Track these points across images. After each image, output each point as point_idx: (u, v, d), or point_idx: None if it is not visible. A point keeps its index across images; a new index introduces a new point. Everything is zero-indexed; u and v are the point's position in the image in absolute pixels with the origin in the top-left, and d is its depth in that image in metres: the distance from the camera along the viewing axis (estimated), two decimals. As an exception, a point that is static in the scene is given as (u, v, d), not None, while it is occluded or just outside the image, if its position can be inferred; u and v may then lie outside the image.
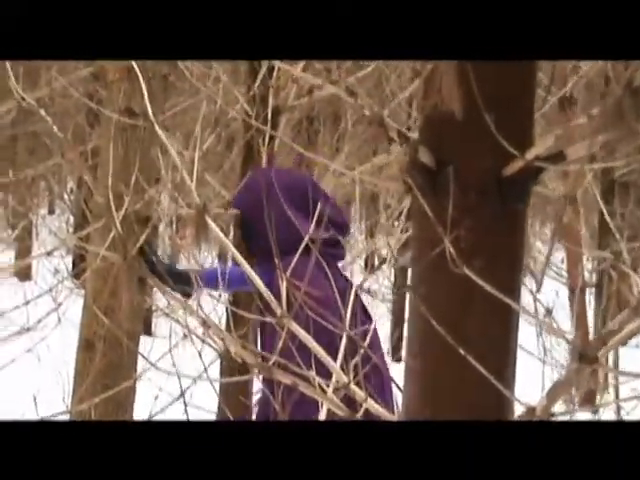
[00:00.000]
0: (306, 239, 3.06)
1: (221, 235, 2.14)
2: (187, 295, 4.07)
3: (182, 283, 3.94)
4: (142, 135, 3.97)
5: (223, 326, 5.97)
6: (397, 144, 1.58)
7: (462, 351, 1.49)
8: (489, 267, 1.59)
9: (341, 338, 3.10)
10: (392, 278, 9.44)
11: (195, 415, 5.70)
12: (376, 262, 9.93)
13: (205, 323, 1.58)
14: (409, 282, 1.66)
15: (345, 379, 1.81)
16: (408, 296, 1.71)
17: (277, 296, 1.96)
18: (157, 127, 2.11)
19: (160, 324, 8.15)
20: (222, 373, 6.32)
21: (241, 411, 5.74)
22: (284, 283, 2.00)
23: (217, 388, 6.16)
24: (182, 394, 1.75)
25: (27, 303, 3.76)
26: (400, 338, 8.85)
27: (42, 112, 2.55)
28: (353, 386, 1.81)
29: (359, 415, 1.59)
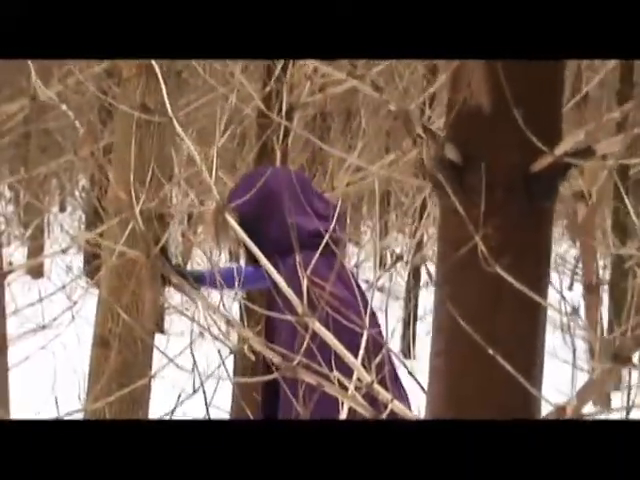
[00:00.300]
0: (326, 237, 3.04)
1: (241, 232, 2.11)
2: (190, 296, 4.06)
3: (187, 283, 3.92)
4: (157, 132, 3.95)
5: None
6: (422, 140, 1.56)
7: (491, 350, 1.47)
8: (516, 265, 1.57)
9: (360, 336, 3.08)
10: (405, 276, 9.41)
11: (210, 413, 5.68)
12: (389, 260, 9.90)
13: (229, 322, 1.56)
14: (423, 280, 1.64)
15: (368, 378, 1.79)
16: (433, 294, 1.68)
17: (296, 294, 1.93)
18: (176, 124, 2.09)
19: (172, 322, 8.14)
20: (235, 371, 6.31)
21: (255, 407, 5.72)
22: (304, 280, 1.97)
23: (233, 386, 6.15)
24: (203, 390, 1.73)
25: (41, 300, 3.75)
26: (413, 336, 8.83)
27: (64, 107, 2.52)
28: (377, 386, 1.79)
29: (384, 415, 1.57)
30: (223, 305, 1.59)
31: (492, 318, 1.59)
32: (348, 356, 1.79)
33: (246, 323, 5.19)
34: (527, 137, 1.54)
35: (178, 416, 3.70)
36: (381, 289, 8.55)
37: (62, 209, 17.23)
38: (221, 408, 6.02)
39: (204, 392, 1.59)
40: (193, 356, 1.99)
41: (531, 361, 1.60)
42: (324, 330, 1.89)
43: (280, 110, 5.39)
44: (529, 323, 1.61)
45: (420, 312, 9.76)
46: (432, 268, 12.31)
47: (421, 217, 7.71)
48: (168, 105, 2.07)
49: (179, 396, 1.68)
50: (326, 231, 3.52)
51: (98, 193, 8.17)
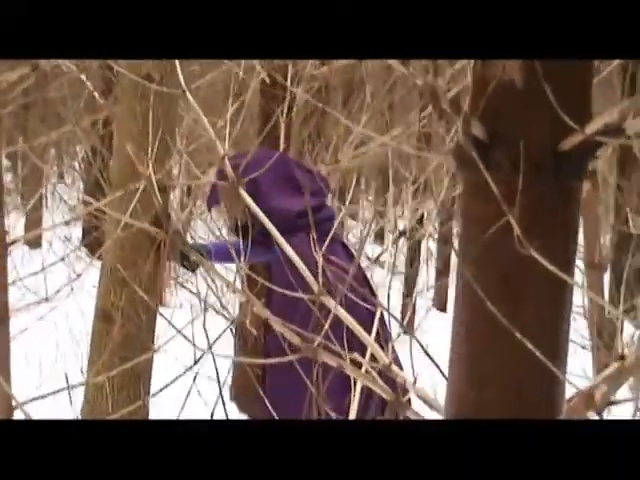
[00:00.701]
0: (338, 218, 3.00)
1: (253, 206, 2.07)
2: (193, 269, 4.02)
3: (191, 256, 3.89)
4: (161, 103, 3.88)
5: (237, 302, 5.92)
6: (449, 116, 1.51)
7: (518, 334, 1.42)
8: (544, 246, 1.52)
9: (366, 314, 3.04)
10: (405, 251, 9.37)
11: (208, 387, 5.67)
12: (390, 235, 9.86)
13: (248, 299, 1.52)
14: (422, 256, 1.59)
15: (386, 360, 1.75)
16: (454, 277, 1.64)
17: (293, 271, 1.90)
18: (189, 95, 2.04)
19: (172, 295, 8.10)
20: (236, 346, 6.28)
21: (252, 383, 5.70)
22: (320, 259, 1.93)
23: (233, 365, 6.12)
24: (216, 370, 1.69)
25: (41, 271, 3.69)
26: (413, 312, 8.80)
27: (83, 76, 2.47)
28: (394, 367, 1.75)
29: (405, 399, 1.53)
30: (241, 282, 1.54)
31: (516, 300, 1.55)
32: (365, 336, 1.75)
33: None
34: (556, 114, 1.49)
35: (180, 391, 3.68)
36: (382, 264, 8.52)
37: (61, 179, 17.15)
38: (223, 383, 5.99)
39: (217, 372, 1.55)
40: (205, 330, 1.96)
41: (556, 345, 1.56)
42: (341, 310, 1.85)
43: (285, 80, 5.33)
44: (555, 306, 1.56)
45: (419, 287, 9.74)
46: (432, 244, 12.28)
47: (424, 193, 7.66)
48: (181, 77, 2.02)
49: (194, 378, 1.64)
50: (314, 206, 3.47)
51: (101, 164, 8.11)
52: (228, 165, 1.96)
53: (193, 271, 4.07)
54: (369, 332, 1.91)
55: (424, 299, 9.83)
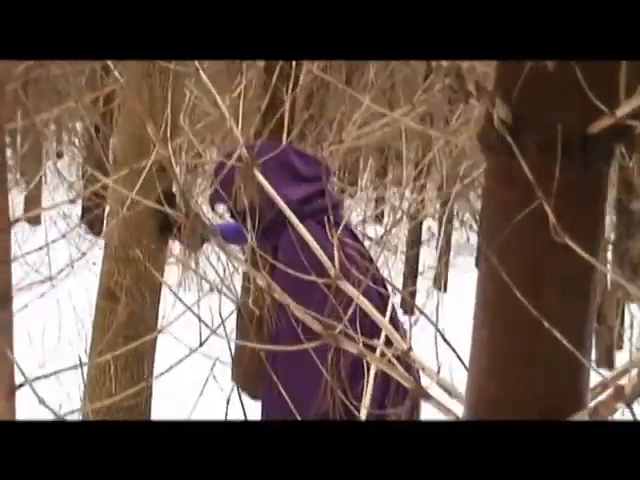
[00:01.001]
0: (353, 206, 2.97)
1: (269, 187, 2.03)
2: (195, 249, 3.98)
3: (196, 236, 3.85)
4: (165, 81, 3.84)
5: (239, 282, 5.88)
6: (475, 98, 1.47)
7: (546, 323, 1.39)
8: (571, 233, 1.49)
9: (383, 299, 3.00)
10: (406, 232, 9.35)
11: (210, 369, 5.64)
12: (390, 216, 9.83)
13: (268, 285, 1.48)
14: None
15: (405, 346, 1.72)
16: (478, 263, 1.60)
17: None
18: (202, 73, 2.00)
19: (173, 274, 8.06)
20: (238, 325, 6.26)
21: (256, 364, 5.68)
22: (335, 243, 1.89)
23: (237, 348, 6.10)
24: (230, 352, 1.65)
25: (44, 247, 3.66)
26: (413, 294, 8.79)
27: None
28: (413, 354, 1.72)
29: (427, 388, 1.50)
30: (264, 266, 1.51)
31: (541, 288, 1.51)
32: (385, 323, 1.71)
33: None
34: (584, 98, 1.46)
35: (183, 374, 3.64)
36: (383, 245, 8.49)
37: (59, 155, 17.09)
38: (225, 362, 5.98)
39: (231, 354, 1.52)
40: (221, 313, 1.92)
41: (581, 332, 1.53)
42: (361, 297, 1.81)
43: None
44: (580, 294, 1.53)
45: (420, 268, 9.71)
46: (432, 224, 12.25)
47: (428, 173, 7.63)
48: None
49: (212, 365, 1.61)
50: (316, 193, 3.43)
51: (103, 142, 8.06)
52: (244, 148, 1.92)
53: (195, 252, 4.03)
54: (383, 316, 1.88)
55: (425, 279, 9.80)
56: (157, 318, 4.10)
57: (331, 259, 1.85)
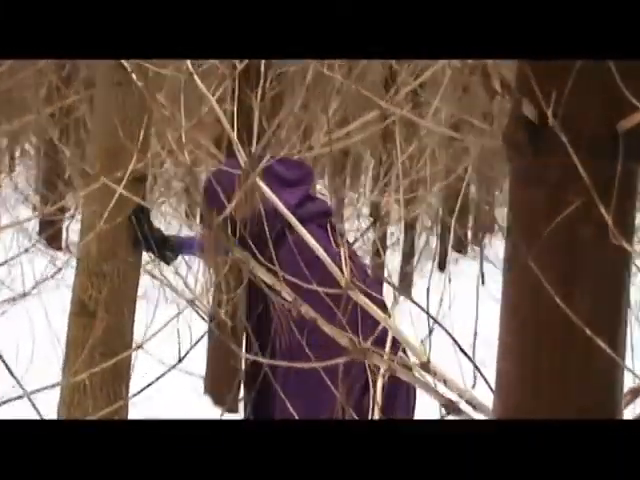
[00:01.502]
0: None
1: (271, 195, 1.96)
2: (167, 262, 3.89)
3: (167, 249, 3.77)
4: (137, 91, 3.74)
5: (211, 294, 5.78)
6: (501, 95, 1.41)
7: (588, 331, 1.33)
8: (601, 234, 1.43)
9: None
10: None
11: (186, 381, 5.54)
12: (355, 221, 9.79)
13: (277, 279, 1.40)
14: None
15: (424, 358, 1.65)
16: (502, 267, 1.54)
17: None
18: (197, 78, 1.93)
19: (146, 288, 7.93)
20: (210, 338, 6.15)
21: (230, 375, 5.58)
22: (346, 252, 1.82)
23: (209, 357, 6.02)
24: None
25: (19, 258, 3.55)
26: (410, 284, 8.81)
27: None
28: (433, 364, 1.65)
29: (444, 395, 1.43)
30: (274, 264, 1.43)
31: (572, 290, 1.45)
32: (403, 336, 1.64)
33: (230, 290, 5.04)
34: (614, 93, 1.40)
35: (159, 389, 3.55)
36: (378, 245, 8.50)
37: (12, 170, 16.87)
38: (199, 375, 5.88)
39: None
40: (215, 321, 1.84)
41: (615, 334, 1.47)
42: (370, 303, 1.75)
43: (257, 67, 5.20)
44: (613, 293, 1.47)
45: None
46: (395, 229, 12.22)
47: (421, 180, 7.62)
48: (190, 65, 1.90)
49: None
50: (307, 196, 3.36)
51: (61, 155, 7.91)
52: (241, 155, 1.85)
53: (168, 264, 3.95)
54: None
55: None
56: (132, 331, 3.99)
57: (338, 265, 1.78)
